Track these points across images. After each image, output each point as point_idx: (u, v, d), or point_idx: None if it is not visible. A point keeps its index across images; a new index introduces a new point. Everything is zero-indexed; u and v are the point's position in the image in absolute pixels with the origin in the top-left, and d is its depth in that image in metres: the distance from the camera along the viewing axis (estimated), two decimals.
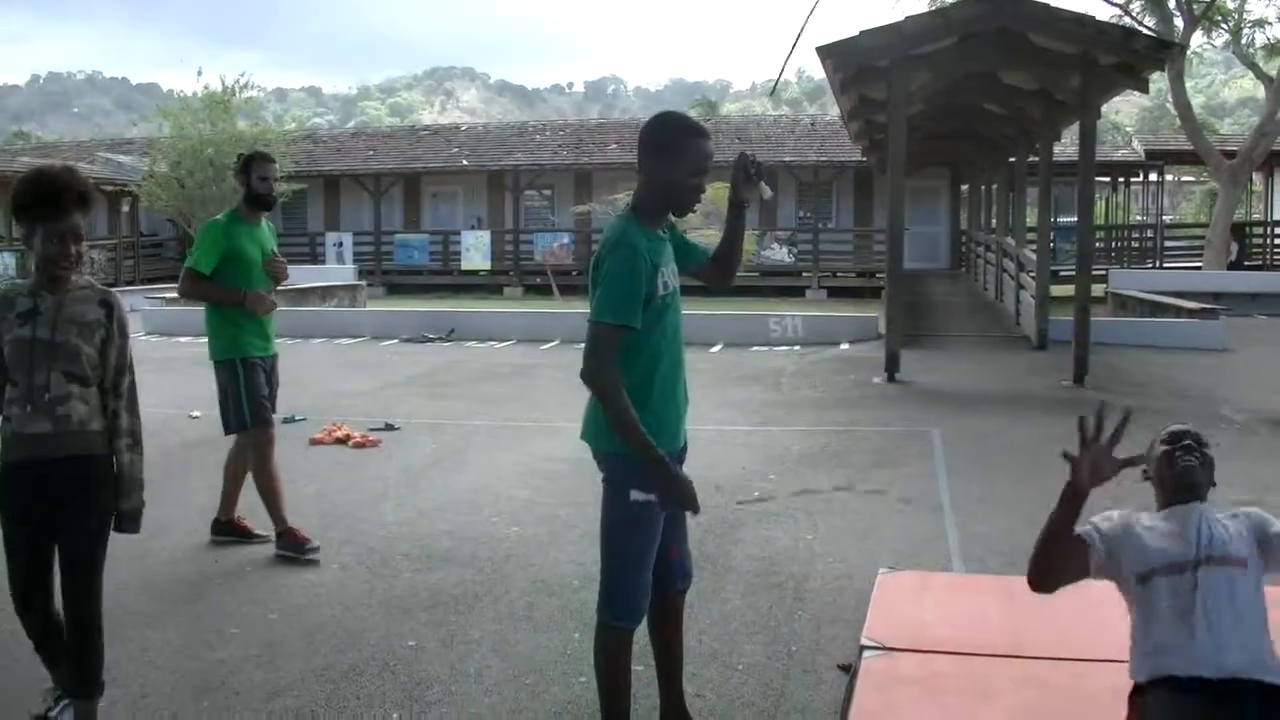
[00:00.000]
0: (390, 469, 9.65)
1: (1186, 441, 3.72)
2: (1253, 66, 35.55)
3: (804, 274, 34.85)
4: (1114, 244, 39.23)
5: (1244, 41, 34.80)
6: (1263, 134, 32.22)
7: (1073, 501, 3.52)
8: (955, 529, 7.77)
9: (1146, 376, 15.71)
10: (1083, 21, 15.00)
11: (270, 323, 7.13)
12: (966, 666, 4.91)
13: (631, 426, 3.85)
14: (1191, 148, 34.58)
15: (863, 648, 5.04)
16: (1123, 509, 3.73)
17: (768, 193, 4.30)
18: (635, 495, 3.97)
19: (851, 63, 15.01)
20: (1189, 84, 37.43)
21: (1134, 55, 14.99)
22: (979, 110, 21.77)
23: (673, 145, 4.05)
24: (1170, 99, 35.61)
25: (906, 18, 14.61)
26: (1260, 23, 34.39)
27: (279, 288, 7.28)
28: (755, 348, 19.11)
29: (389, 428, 11.39)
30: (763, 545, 7.36)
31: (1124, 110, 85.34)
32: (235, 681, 5.16)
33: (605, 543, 4.13)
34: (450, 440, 10.91)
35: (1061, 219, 43.80)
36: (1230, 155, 33.67)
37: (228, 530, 7.32)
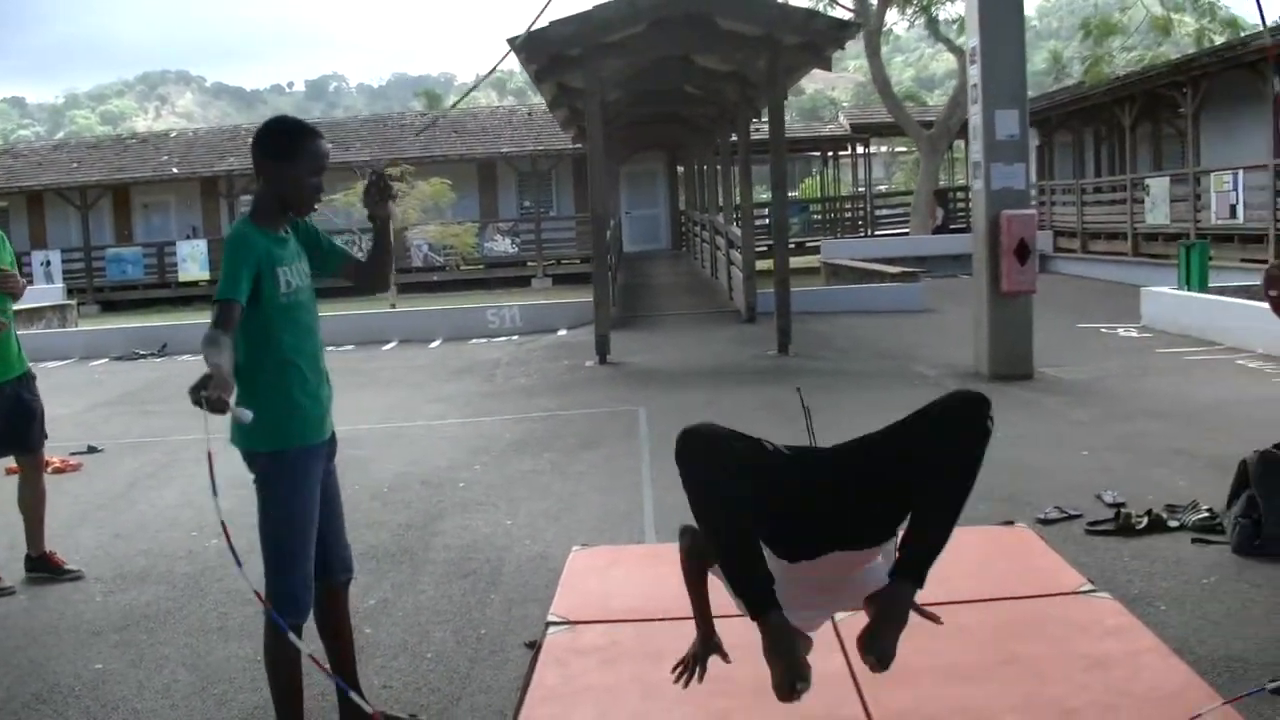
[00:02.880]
0: (90, 492, 9.40)
1: None
2: (945, 41, 37.26)
3: (529, 263, 35.07)
4: (828, 215, 40.66)
5: (936, 18, 36.39)
6: (956, 104, 33.85)
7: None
8: (651, 502, 8.05)
9: (850, 341, 16.46)
10: (765, 4, 15.58)
11: (8, 341, 6.81)
12: (644, 632, 5.13)
13: (210, 352, 3.81)
14: (893, 120, 36.12)
15: (548, 624, 5.22)
16: None
17: (396, 214, 4.40)
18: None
19: (543, 53, 15.19)
20: (899, 59, 39.08)
21: (816, 35, 15.67)
22: (681, 93, 22.30)
23: (288, 148, 4.16)
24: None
25: (595, 6, 14.82)
26: None
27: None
28: (474, 340, 19.22)
29: (91, 450, 11.06)
30: (461, 534, 7.49)
31: (840, 86, 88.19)
32: None
33: (264, 542, 4.21)
34: (155, 458, 10.67)
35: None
36: (929, 126, 35.32)
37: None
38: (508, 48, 14.87)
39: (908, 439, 3.40)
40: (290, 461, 4.15)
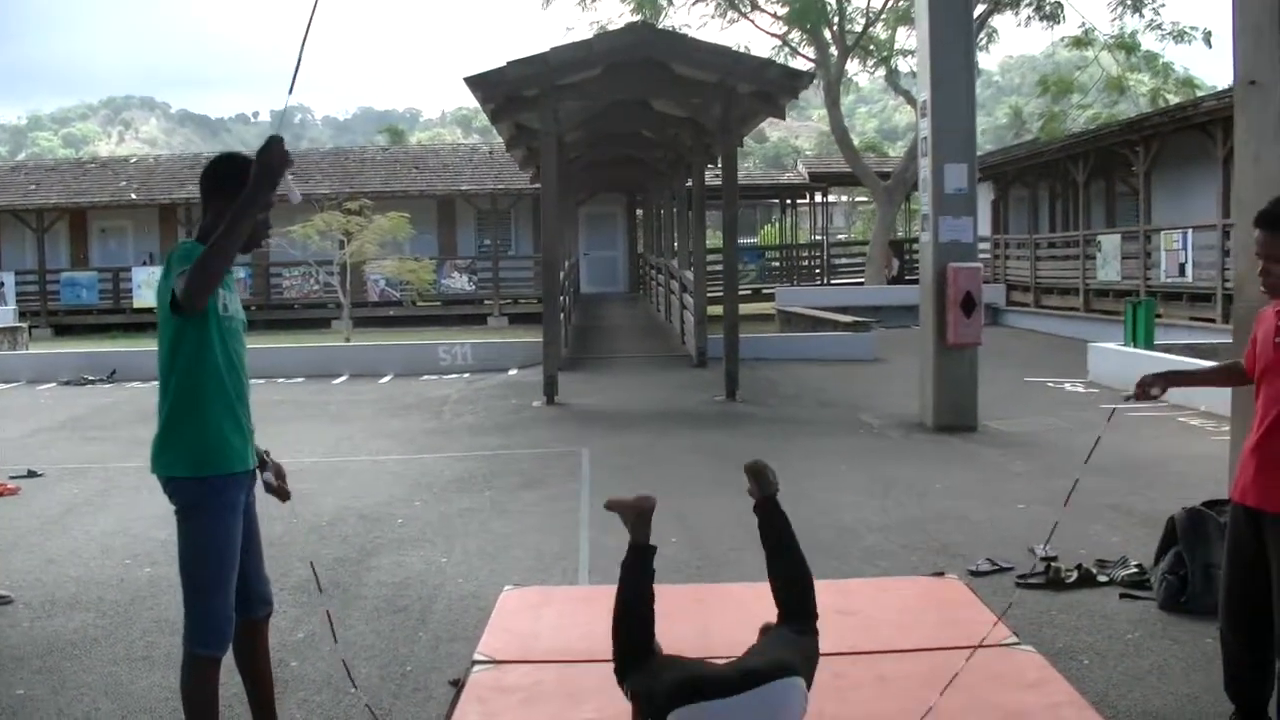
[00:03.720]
0: (26, 516, 9.31)
1: None
2: (904, 93, 37.60)
3: (485, 301, 35.00)
4: (785, 263, 40.87)
5: (895, 69, 36.75)
6: (912, 156, 34.11)
7: None
8: (587, 544, 8.05)
9: (798, 388, 16.53)
10: (720, 52, 15.77)
11: None
12: (567, 674, 5.15)
13: (235, 222, 3.89)
14: (851, 170, 36.43)
15: (474, 662, 5.23)
16: None
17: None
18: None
19: (499, 93, 15.27)
20: (863, 109, 39.45)
21: (769, 84, 15.84)
22: (639, 137, 22.45)
23: (236, 183, 4.13)
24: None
25: (552, 48, 14.96)
26: (906, 52, 36.47)
27: None
28: (425, 377, 19.20)
29: (31, 474, 10.97)
30: (395, 571, 7.47)
31: (804, 135, 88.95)
32: None
33: (184, 573, 4.17)
34: (95, 485, 10.59)
35: (741, 240, 45.51)
36: (887, 176, 35.61)
37: None
38: (466, 85, 14.93)
39: None
40: (215, 489, 4.10)
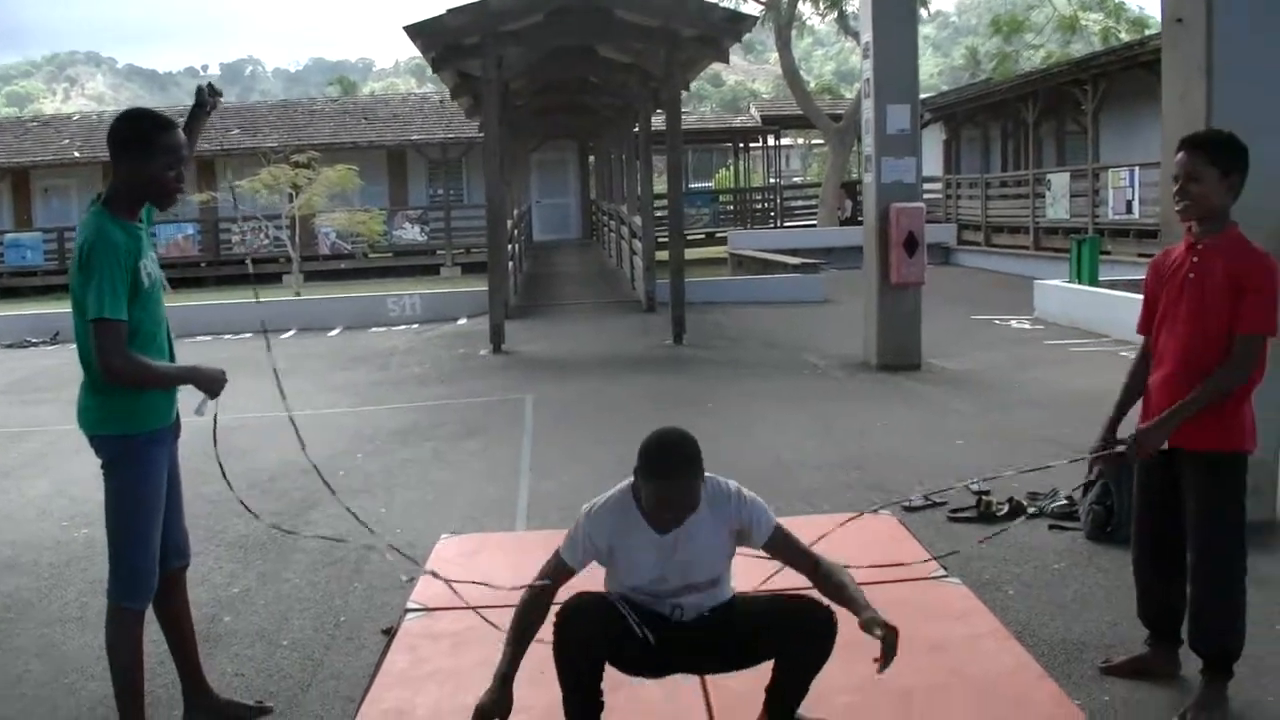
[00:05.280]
0: None
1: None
2: (854, 35, 37.50)
3: (438, 252, 34.81)
4: (739, 206, 40.79)
5: (845, 11, 36.64)
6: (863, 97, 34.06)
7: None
8: (526, 490, 8.08)
9: (745, 331, 16.58)
10: None
11: None
12: (497, 618, 5.16)
13: (171, 374, 4.23)
14: (803, 113, 36.35)
15: (406, 610, 5.24)
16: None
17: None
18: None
19: (440, 42, 15.13)
20: (820, 52, 39.25)
21: (712, 27, 15.75)
22: (586, 84, 22.30)
23: (144, 141, 4.10)
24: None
25: None
26: None
27: None
28: (375, 329, 19.15)
29: None
30: (334, 523, 7.43)
31: (761, 78, 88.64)
32: None
33: (110, 526, 4.21)
34: (34, 447, 10.51)
35: (695, 184, 45.44)
36: (838, 119, 35.54)
37: None
38: (406, 34, 14.78)
39: (765, 635, 3.84)
40: (140, 446, 4.15)
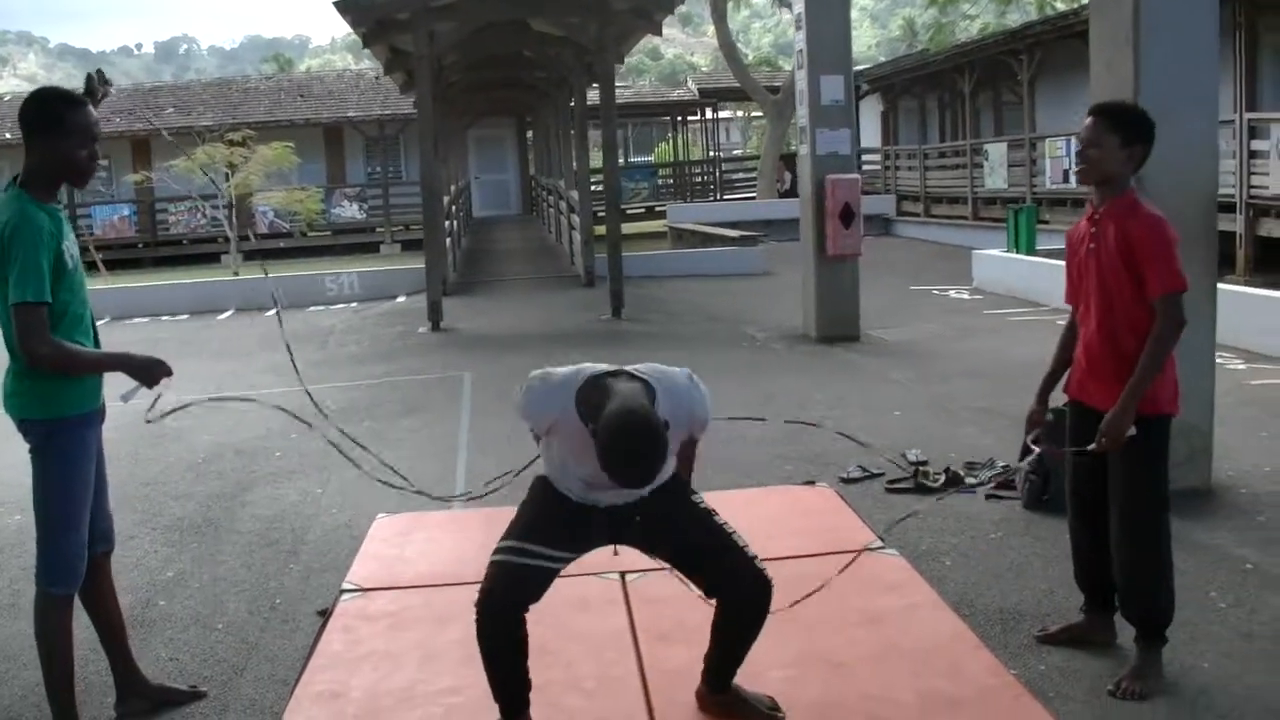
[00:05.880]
0: None
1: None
2: (787, 7, 37.51)
3: (377, 229, 34.56)
4: (678, 180, 40.76)
5: None
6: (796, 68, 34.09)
7: None
8: (464, 467, 8.06)
9: (684, 304, 16.59)
10: None
11: None
12: (433, 597, 5.14)
13: (99, 359, 4.24)
14: (740, 85, 36.35)
15: (342, 591, 5.20)
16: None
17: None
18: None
19: (370, 17, 15.01)
20: (758, 24, 39.19)
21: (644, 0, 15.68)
22: (520, 58, 22.18)
23: (56, 121, 4.03)
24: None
25: None
26: None
27: None
28: (313, 307, 18.96)
29: None
30: (269, 504, 7.41)
31: (700, 52, 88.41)
32: None
33: (39, 511, 4.18)
34: None
35: (635, 159, 45.36)
36: (775, 91, 35.55)
37: None
38: (336, 10, 14.62)
39: (707, 559, 3.78)
40: (68, 429, 4.11)
